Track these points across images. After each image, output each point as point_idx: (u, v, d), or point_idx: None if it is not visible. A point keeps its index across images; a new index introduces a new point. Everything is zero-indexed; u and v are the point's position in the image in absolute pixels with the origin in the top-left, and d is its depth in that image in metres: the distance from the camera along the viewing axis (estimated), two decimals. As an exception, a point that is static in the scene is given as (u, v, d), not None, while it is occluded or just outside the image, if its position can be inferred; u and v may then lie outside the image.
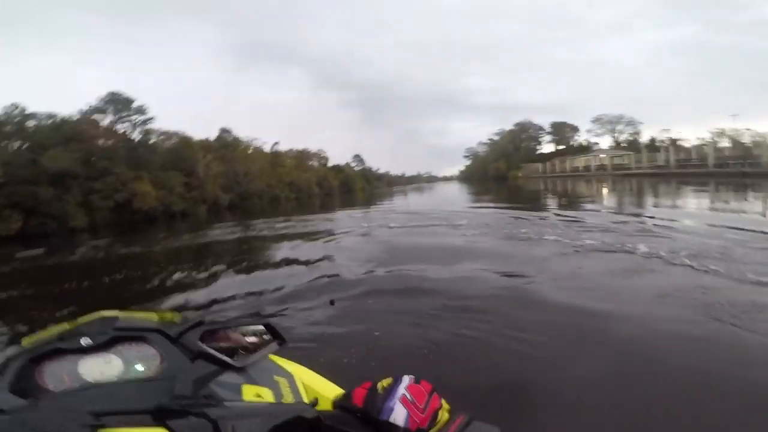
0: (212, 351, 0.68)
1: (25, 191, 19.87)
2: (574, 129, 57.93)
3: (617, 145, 50.17)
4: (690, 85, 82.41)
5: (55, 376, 0.60)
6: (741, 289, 3.12)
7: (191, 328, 0.69)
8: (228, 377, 0.66)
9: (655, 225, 6.50)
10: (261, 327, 0.83)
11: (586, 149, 51.46)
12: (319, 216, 15.43)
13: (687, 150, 33.29)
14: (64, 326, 0.68)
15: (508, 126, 64.19)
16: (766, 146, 23.08)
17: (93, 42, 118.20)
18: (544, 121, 63.48)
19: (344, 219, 13.55)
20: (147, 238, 13.08)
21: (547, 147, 60.24)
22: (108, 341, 0.63)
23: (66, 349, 0.61)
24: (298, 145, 53.05)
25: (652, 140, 47.45)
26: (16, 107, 24.45)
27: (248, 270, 5.96)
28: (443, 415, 0.50)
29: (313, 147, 60.47)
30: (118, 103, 28.72)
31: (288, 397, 0.71)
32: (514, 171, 53.24)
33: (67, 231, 19.54)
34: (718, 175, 21.33)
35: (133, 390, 0.59)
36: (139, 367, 0.63)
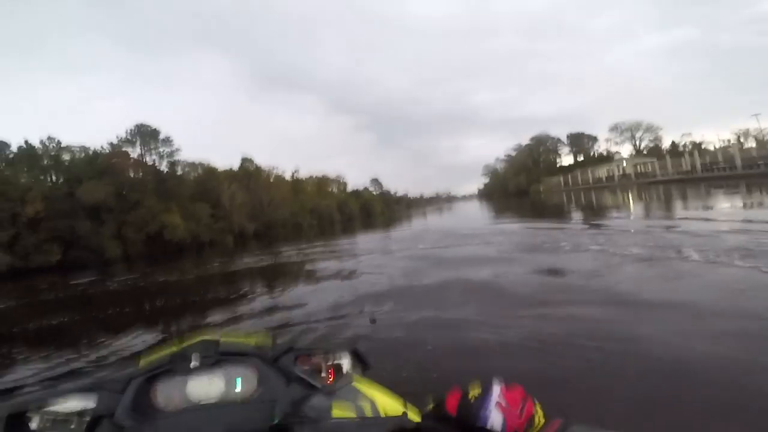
0: (305, 376, 0.72)
1: (64, 225, 20.80)
2: (592, 139, 56.90)
3: (638, 152, 48.60)
4: (704, 86, 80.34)
5: (166, 395, 0.67)
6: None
7: (285, 352, 0.74)
8: (318, 400, 0.69)
9: (693, 228, 6.33)
10: (347, 353, 0.86)
11: (606, 159, 50.18)
12: (342, 241, 15.68)
13: (712, 153, 32.28)
14: (173, 348, 0.75)
15: (524, 140, 63.82)
16: None
17: (115, 74, 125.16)
18: (561, 132, 63.14)
19: (368, 242, 13.75)
20: (181, 267, 13.54)
21: (566, 159, 59.38)
22: (212, 363, 0.70)
23: (176, 370, 0.69)
24: (317, 171, 53.64)
25: (674, 145, 46.39)
26: (53, 140, 25.32)
27: (281, 292, 6.18)
28: (539, 420, 0.49)
29: (331, 172, 61.25)
30: (145, 134, 29.36)
31: (366, 408, 0.73)
32: (534, 185, 52.30)
33: (102, 262, 20.37)
34: (747, 177, 20.71)
35: (235, 411, 0.65)
36: (239, 389, 0.69)
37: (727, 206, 10.39)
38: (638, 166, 38.48)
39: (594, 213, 13.85)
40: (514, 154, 65.06)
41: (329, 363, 0.81)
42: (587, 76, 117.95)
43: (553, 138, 60.31)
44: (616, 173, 39.95)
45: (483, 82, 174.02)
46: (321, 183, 53.20)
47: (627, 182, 34.99)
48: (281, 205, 37.52)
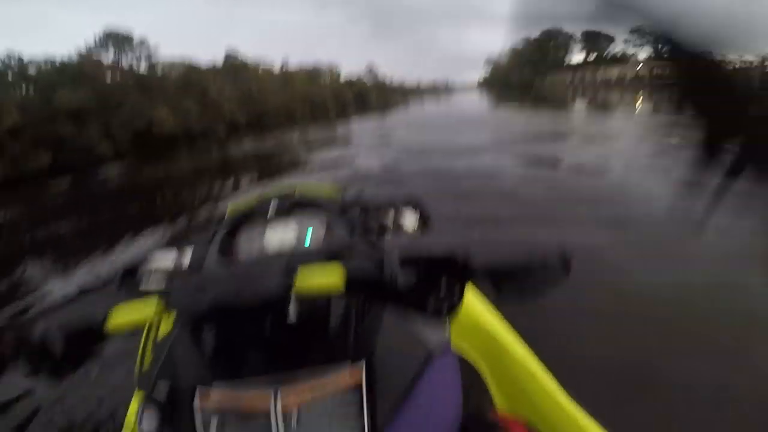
0: (369, 229, 0.75)
1: (46, 130, 20.10)
2: (609, 39, 52.07)
3: (657, 55, 45.04)
4: None
5: (247, 244, 0.69)
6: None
7: (352, 205, 0.76)
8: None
9: None
10: (411, 208, 0.84)
11: (621, 60, 46.62)
12: (338, 125, 17.30)
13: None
14: (258, 196, 0.79)
15: (534, 34, 57.53)
16: None
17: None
18: (575, 28, 57.42)
19: (363, 128, 15.57)
20: (174, 159, 13.87)
21: (576, 57, 55.46)
22: (288, 209, 0.73)
23: (258, 213, 0.73)
24: (309, 64, 50.57)
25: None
26: (12, 57, 23.36)
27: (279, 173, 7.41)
28: None
29: (324, 64, 57.64)
30: (117, 39, 27.48)
31: None
32: (539, 79, 49.80)
33: (93, 160, 20.05)
34: None
35: (302, 258, 0.66)
36: (311, 233, 0.71)
37: None
38: (654, 69, 36.13)
39: (599, 108, 15.33)
40: (520, 47, 60.26)
41: (393, 218, 0.82)
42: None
43: (565, 34, 54.90)
44: (628, 75, 37.72)
45: None
46: (312, 73, 50.61)
47: (638, 85, 33.23)
48: (272, 95, 35.95)
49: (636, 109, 14.11)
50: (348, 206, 0.75)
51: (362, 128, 15.19)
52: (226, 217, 0.75)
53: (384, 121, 15.99)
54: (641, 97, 21.17)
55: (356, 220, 0.73)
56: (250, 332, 0.44)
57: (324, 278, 0.38)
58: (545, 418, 0.61)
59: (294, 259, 0.42)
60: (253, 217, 0.73)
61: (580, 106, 16.23)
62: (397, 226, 0.79)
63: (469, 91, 72.11)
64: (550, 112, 12.62)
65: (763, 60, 0.36)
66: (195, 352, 0.48)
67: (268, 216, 0.72)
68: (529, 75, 52.97)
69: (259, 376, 0.44)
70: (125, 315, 0.40)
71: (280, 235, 0.70)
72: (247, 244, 0.70)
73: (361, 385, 0.43)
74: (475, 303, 0.85)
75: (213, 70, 33.43)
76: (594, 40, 52.75)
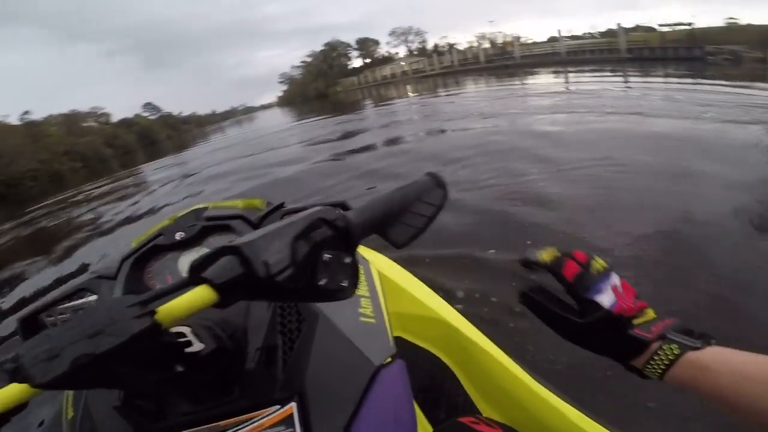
0: None
1: None
2: (376, 43, 62.84)
3: (411, 53, 57.37)
4: None
5: (159, 274, 0.62)
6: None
7: (271, 212, 0.68)
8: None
9: (450, 98, 12.39)
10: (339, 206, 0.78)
11: (389, 60, 56.49)
12: (121, 175, 13.34)
13: (463, 52, 41.37)
14: (165, 222, 0.69)
15: (318, 47, 65.31)
16: (517, 45, 32.98)
17: None
18: (350, 38, 66.30)
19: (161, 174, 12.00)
20: None
21: (356, 62, 63.82)
22: (198, 233, 0.64)
23: (164, 245, 0.63)
24: (63, 109, 41.31)
25: (436, 46, 56.18)
26: None
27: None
28: (650, 314, 0.44)
29: (84, 107, 48.21)
30: None
31: (361, 285, 0.64)
32: (333, 87, 54.41)
33: None
34: (489, 69, 28.44)
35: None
36: None
37: (472, 86, 17.23)
38: (413, 64, 44.50)
39: (383, 100, 19.05)
40: (309, 60, 65.73)
41: None
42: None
43: (343, 43, 63.82)
44: (398, 71, 45.14)
45: None
46: (70, 120, 41.56)
47: (406, 78, 40.63)
48: (17, 156, 27.58)
49: (409, 95, 18.46)
50: (266, 213, 0.67)
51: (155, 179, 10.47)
52: (127, 252, 0.65)
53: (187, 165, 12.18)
54: (408, 86, 27.45)
55: None
56: (152, 385, 0.36)
57: (187, 297, 0.31)
58: (525, 412, 0.60)
59: (157, 290, 0.34)
60: (161, 246, 0.63)
61: (368, 103, 19.45)
62: None
63: (270, 109, 72.00)
64: (348, 115, 14.16)
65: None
66: (108, 408, 0.41)
67: (176, 237, 0.63)
68: (322, 85, 57.05)
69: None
70: None
71: (192, 258, 0.56)
72: (156, 274, 0.61)
73: (294, 425, 0.39)
74: (441, 307, 0.80)
75: None
76: (365, 45, 61.78)
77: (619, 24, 22.26)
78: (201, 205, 0.74)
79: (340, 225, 0.35)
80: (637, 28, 29.26)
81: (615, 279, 0.45)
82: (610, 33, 26.51)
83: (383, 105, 15.90)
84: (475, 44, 46.42)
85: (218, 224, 0.65)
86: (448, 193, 0.45)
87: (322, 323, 0.46)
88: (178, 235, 0.63)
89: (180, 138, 42.66)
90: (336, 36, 71.97)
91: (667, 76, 12.01)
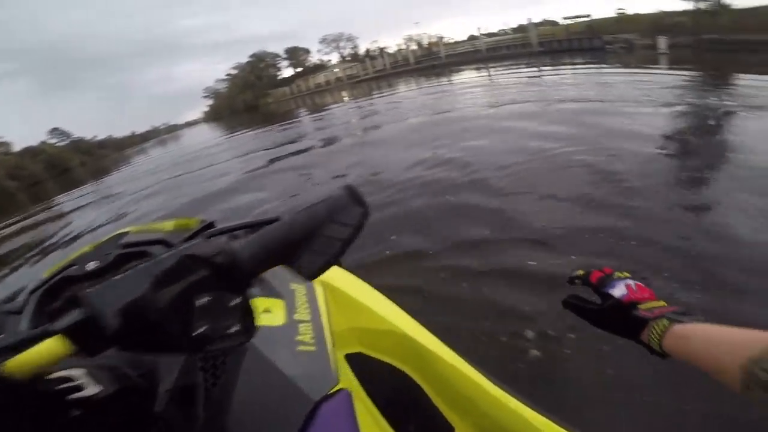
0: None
1: None
2: (306, 51, 61.83)
3: (343, 59, 57.22)
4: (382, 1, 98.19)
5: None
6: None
7: (195, 234, 0.61)
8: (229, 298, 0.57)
9: (386, 101, 12.51)
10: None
11: (321, 67, 56.01)
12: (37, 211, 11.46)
13: (393, 55, 42.60)
14: (83, 250, 0.62)
15: (244, 59, 62.92)
16: (442, 45, 34.72)
17: None
18: (278, 48, 65.10)
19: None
20: None
21: (287, 72, 62.30)
22: (112, 262, 0.56)
23: (74, 277, 0.55)
24: None
25: (367, 51, 57.04)
26: None
27: None
28: (658, 303, 0.53)
29: None
30: None
31: (302, 309, 0.54)
32: (263, 99, 52.78)
33: None
34: (419, 70, 29.52)
35: None
36: None
37: (404, 87, 17.98)
38: (347, 70, 44.71)
39: (318, 107, 18.78)
40: (235, 73, 63.21)
41: None
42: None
43: (271, 53, 62.50)
44: (332, 78, 45.02)
45: (182, 8, 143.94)
46: None
47: (340, 84, 40.60)
48: None
49: (344, 101, 18.75)
50: (190, 235, 0.59)
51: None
52: (35, 283, 0.57)
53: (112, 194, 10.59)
54: (344, 92, 27.50)
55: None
56: None
57: (38, 349, 0.27)
58: (494, 420, 0.59)
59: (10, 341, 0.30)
60: (72, 278, 0.55)
61: (302, 110, 19.36)
62: None
63: (196, 126, 68.17)
64: (281, 126, 13.73)
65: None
66: None
67: (87, 267, 0.55)
68: (251, 97, 55.24)
69: None
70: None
71: None
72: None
73: None
74: (402, 319, 0.75)
75: None
76: (295, 54, 60.87)
77: (529, 20, 24.27)
78: (123, 230, 0.67)
79: (220, 261, 0.30)
80: (544, 23, 31.91)
81: (630, 281, 0.57)
82: (521, 29, 28.79)
83: (319, 112, 15.73)
84: (404, 47, 47.74)
85: (135, 251, 0.59)
86: (368, 209, 0.39)
87: (251, 356, 0.39)
88: (91, 265, 0.56)
89: (97, 164, 38.83)
90: (263, 47, 69.79)
91: (574, 65, 13.33)
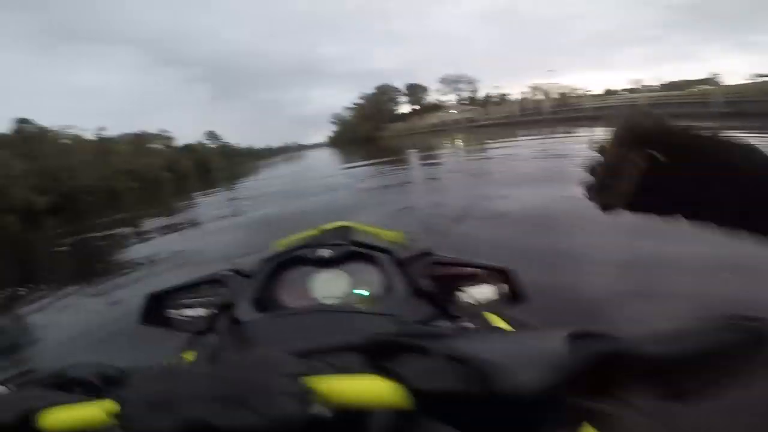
0: (436, 291, 0.58)
1: None
2: (424, 89, 63.60)
3: (460, 101, 57.60)
4: (508, 47, 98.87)
5: (291, 288, 0.60)
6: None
7: (420, 256, 0.63)
8: (442, 324, 0.56)
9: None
10: (497, 274, 0.64)
11: (437, 107, 57.13)
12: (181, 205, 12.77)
13: (521, 102, 40.37)
14: (311, 232, 0.69)
15: (369, 90, 67.00)
16: (583, 97, 32.94)
17: None
18: (399, 83, 69.01)
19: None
20: None
21: (404, 107, 65.09)
22: (342, 256, 0.61)
23: (306, 258, 0.61)
24: (136, 129, 44.80)
25: (487, 96, 56.05)
26: None
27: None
28: None
29: (153, 129, 51.93)
30: None
31: None
32: (380, 131, 55.38)
33: None
34: (555, 121, 25.96)
35: (351, 317, 0.53)
36: (363, 290, 0.60)
37: (526, 136, 16.97)
38: (465, 113, 44.43)
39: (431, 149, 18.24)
40: (360, 103, 67.60)
41: (470, 282, 0.65)
42: (422, 33, 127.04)
43: (393, 87, 65.44)
44: (449, 119, 45.20)
45: (329, 36, 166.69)
46: (139, 141, 44.25)
47: (457, 126, 40.03)
48: (83, 170, 29.35)
49: (456, 146, 18.53)
50: (413, 256, 0.63)
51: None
52: (269, 255, 0.66)
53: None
54: (458, 137, 26.60)
55: (421, 279, 0.59)
56: None
57: (362, 385, 0.23)
58: None
59: (318, 359, 0.27)
60: (303, 253, 0.64)
61: (413, 150, 19.01)
62: (473, 295, 0.64)
63: (318, 149, 75.03)
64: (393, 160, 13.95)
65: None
66: None
67: (319, 254, 0.63)
68: (370, 128, 58.32)
69: None
70: (63, 417, 0.26)
71: (328, 286, 0.61)
72: (289, 287, 0.62)
73: None
74: None
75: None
76: (414, 91, 62.98)
77: (714, 74, 20.17)
78: (346, 223, 0.74)
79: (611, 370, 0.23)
80: (706, 81, 26.85)
81: None
82: (686, 84, 24.46)
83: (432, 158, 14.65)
84: (529, 95, 45.64)
85: (365, 252, 0.63)
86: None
87: None
88: (324, 252, 0.61)
89: (233, 169, 44.33)
90: (387, 80, 74.32)
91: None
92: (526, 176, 6.69)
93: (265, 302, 0.57)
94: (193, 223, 7.63)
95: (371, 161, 15.29)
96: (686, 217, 0.33)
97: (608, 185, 0.33)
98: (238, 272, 0.61)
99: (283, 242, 0.69)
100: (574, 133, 15.92)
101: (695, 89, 22.25)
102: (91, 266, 5.58)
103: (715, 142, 0.32)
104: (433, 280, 0.62)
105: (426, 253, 0.64)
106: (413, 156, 16.25)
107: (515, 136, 18.14)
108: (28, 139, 28.39)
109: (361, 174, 11.22)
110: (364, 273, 0.62)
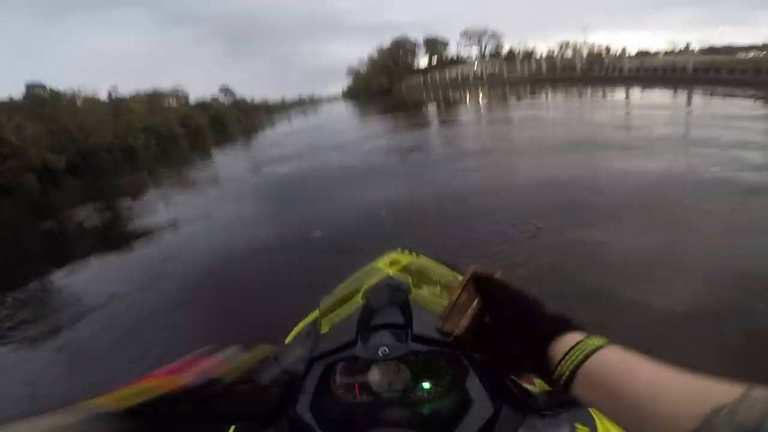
0: (515, 388, 0.51)
1: None
2: (444, 44, 59.70)
3: (483, 56, 53.78)
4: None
5: (347, 381, 0.57)
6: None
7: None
8: (528, 422, 0.50)
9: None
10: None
11: (458, 61, 53.46)
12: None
13: (551, 59, 36.47)
14: (357, 302, 0.62)
15: (386, 44, 63.77)
16: (618, 57, 27.50)
17: None
18: (417, 36, 65.79)
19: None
20: None
21: (423, 61, 61.58)
22: (401, 357, 0.55)
23: (364, 360, 0.56)
24: (149, 88, 43.99)
25: (511, 50, 51.78)
26: None
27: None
28: None
29: (167, 86, 51.24)
30: None
31: None
32: (397, 85, 53.13)
33: None
34: (589, 80, 23.13)
35: (419, 415, 0.51)
36: (427, 386, 0.55)
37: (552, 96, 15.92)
38: (485, 68, 41.54)
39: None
40: (376, 56, 64.65)
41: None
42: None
43: (411, 41, 61.74)
44: (470, 74, 42.53)
45: None
46: (152, 98, 43.91)
47: (481, 82, 37.50)
48: (99, 129, 29.45)
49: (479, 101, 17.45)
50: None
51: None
52: (321, 331, 0.62)
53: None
54: (479, 92, 24.93)
55: (497, 377, 0.52)
56: None
57: None
58: None
59: None
60: (359, 351, 0.57)
61: (432, 105, 18.59)
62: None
63: (334, 102, 73.15)
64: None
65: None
66: None
67: (380, 353, 0.55)
68: (386, 81, 55.98)
69: None
70: None
71: (387, 378, 0.56)
72: (344, 380, 0.58)
73: None
74: None
75: (9, 104, 26.06)
76: (433, 45, 59.31)
77: None
78: (396, 274, 0.69)
79: None
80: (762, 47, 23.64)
81: None
82: (734, 50, 21.88)
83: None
84: (556, 51, 42.61)
85: (427, 351, 0.55)
86: None
87: None
88: (381, 351, 0.55)
89: (249, 123, 43.91)
90: (405, 33, 70.04)
91: None
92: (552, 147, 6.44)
93: (322, 398, 0.53)
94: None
95: (388, 114, 14.93)
96: (498, 354, 0.42)
97: (453, 320, 0.41)
98: (290, 373, 0.54)
99: (329, 318, 0.61)
100: (608, 95, 14.81)
101: (744, 56, 19.81)
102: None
103: (513, 294, 0.39)
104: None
105: None
106: (431, 112, 15.78)
107: (541, 96, 17.04)
108: (43, 101, 28.41)
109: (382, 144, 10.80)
110: (428, 367, 0.56)
